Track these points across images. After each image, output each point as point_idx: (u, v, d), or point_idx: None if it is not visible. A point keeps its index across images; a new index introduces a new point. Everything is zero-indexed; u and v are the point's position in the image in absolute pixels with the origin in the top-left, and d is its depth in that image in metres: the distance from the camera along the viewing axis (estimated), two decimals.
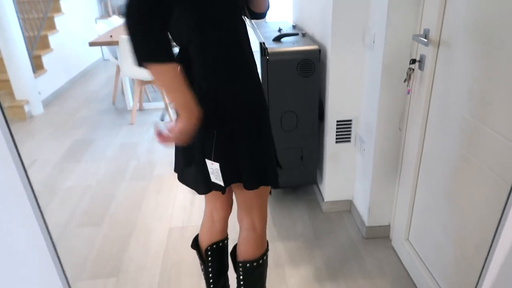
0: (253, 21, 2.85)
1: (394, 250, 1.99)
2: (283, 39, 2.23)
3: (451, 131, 1.42)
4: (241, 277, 1.43)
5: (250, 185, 1.28)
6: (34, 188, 2.94)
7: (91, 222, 2.37)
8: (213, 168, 1.22)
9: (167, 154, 3.18)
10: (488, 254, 0.87)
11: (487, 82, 1.21)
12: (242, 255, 1.41)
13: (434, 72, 1.51)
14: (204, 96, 1.15)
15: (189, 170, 1.31)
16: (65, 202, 2.58)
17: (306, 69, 2.06)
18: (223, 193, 1.30)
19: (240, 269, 1.41)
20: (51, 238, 1.09)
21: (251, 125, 1.22)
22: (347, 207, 2.31)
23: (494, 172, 1.21)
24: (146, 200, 2.57)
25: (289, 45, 2.11)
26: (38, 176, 2.93)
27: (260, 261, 1.41)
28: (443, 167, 1.49)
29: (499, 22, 1.13)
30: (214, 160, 1.20)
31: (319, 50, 2.05)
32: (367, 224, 2.05)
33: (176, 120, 1.08)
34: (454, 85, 1.38)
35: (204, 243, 1.50)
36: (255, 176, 1.27)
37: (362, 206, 2.12)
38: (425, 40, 1.48)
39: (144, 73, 3.63)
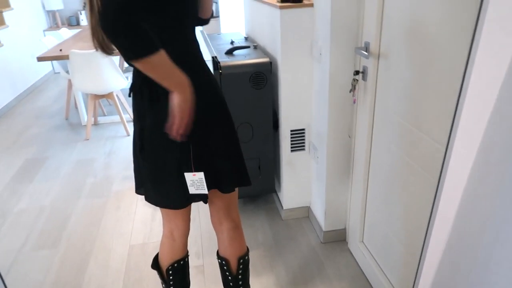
0: (205, 33, 2.88)
1: (351, 253, 2.08)
2: (235, 52, 2.28)
3: (392, 136, 1.52)
4: (239, 276, 1.50)
5: (229, 188, 1.35)
6: None
7: (47, 244, 2.29)
8: (195, 179, 1.24)
9: (125, 168, 3.13)
10: (423, 248, 0.94)
11: (418, 90, 1.31)
12: (236, 253, 1.48)
13: (376, 82, 1.61)
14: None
15: (158, 188, 1.32)
16: (18, 226, 2.48)
17: (258, 81, 2.12)
18: (206, 202, 1.35)
19: (241, 266, 1.48)
20: None
21: (223, 129, 1.29)
22: (306, 214, 2.38)
23: (428, 173, 1.31)
24: (105, 218, 2.52)
25: (241, 58, 2.16)
26: None
27: (249, 253, 1.54)
28: (387, 170, 1.59)
29: (429, 35, 1.23)
30: (196, 170, 1.23)
31: (270, 63, 2.11)
32: (324, 229, 2.13)
33: (172, 101, 1.11)
34: (393, 94, 1.48)
35: (165, 262, 1.50)
36: (235, 178, 1.34)
37: (319, 212, 2.19)
38: (366, 53, 1.57)
39: (97, 87, 3.55)
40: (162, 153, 1.25)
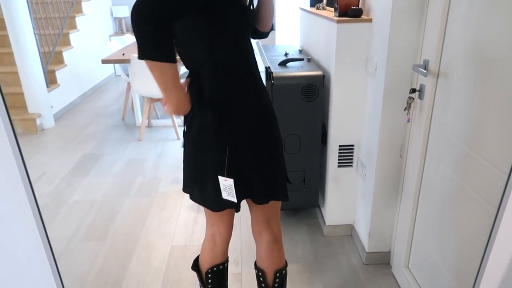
0: (260, 44, 2.92)
1: (394, 277, 1.98)
2: (288, 64, 2.28)
3: (448, 159, 1.44)
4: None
5: (261, 200, 1.34)
6: (42, 200, 2.99)
7: (95, 236, 2.40)
8: (226, 185, 1.26)
9: (173, 171, 3.23)
10: (474, 285, 0.88)
11: (480, 113, 1.23)
12: (274, 266, 1.47)
13: (434, 102, 1.54)
14: (216, 114, 1.22)
15: (200, 188, 1.35)
16: (71, 216, 2.63)
17: (310, 94, 2.11)
18: (237, 210, 1.35)
19: (277, 279, 1.48)
20: (52, 253, 1.12)
21: (262, 141, 1.29)
22: (349, 232, 2.31)
23: (485, 200, 1.22)
24: (150, 217, 2.60)
25: (294, 70, 2.16)
26: (46, 188, 2.98)
27: (287, 267, 1.51)
28: (440, 194, 1.51)
29: (495, 55, 1.16)
30: (228, 176, 1.24)
31: (323, 76, 2.09)
32: (367, 250, 2.05)
33: (165, 104, 1.19)
34: (451, 115, 1.41)
35: (204, 265, 1.52)
36: (267, 191, 1.33)
37: (363, 232, 2.12)
38: (424, 71, 1.51)
39: (153, 91, 3.71)
40: (203, 154, 1.28)
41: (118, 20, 6.62)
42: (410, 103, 1.66)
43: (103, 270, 2.12)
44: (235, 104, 1.24)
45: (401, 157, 1.85)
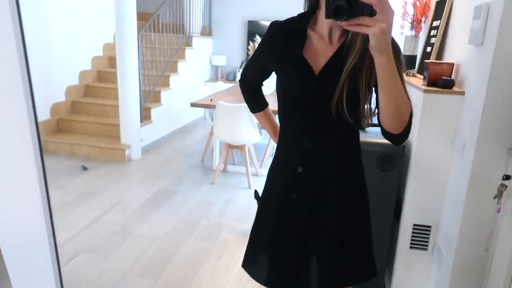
0: None
1: None
2: (367, 129, 2.17)
3: None
4: None
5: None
6: (111, 227, 3.12)
7: (151, 273, 2.42)
8: None
9: (237, 220, 3.19)
10: None
11: None
12: None
13: None
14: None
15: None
16: (133, 248, 2.70)
17: (386, 163, 1.96)
18: None
19: None
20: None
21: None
22: None
23: None
24: (205, 263, 2.56)
25: (373, 135, 2.04)
26: (118, 216, 3.14)
27: None
28: None
29: None
30: None
31: (404, 146, 1.94)
32: None
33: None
34: None
35: None
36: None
37: None
38: None
39: (232, 138, 3.81)
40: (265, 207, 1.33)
41: (215, 68, 7.10)
42: (502, 191, 1.44)
43: None
44: (280, 176, 1.23)
45: (487, 251, 1.59)
